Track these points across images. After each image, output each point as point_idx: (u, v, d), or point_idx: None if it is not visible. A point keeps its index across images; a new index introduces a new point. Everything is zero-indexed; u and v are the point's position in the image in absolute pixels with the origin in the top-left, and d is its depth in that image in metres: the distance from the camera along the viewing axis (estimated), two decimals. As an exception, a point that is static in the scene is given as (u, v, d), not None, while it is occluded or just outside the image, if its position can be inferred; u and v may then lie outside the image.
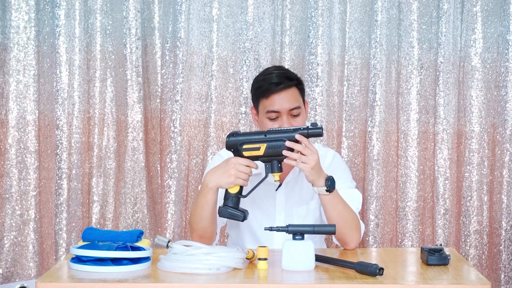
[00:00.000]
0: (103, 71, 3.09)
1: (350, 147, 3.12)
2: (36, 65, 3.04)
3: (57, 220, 3.03)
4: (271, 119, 2.36)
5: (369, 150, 3.06)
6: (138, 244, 2.05)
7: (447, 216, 3.06)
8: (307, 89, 2.99)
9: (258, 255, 1.97)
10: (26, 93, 3.05)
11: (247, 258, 2.02)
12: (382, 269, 1.87)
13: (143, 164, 3.11)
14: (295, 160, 2.15)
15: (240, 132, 2.20)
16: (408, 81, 3.08)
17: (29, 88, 3.05)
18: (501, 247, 3.07)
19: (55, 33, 3.02)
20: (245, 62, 3.07)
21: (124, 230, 3.04)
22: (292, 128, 2.16)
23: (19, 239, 3.05)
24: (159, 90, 3.10)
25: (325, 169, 2.27)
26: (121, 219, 3.11)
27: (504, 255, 3.07)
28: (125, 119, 3.09)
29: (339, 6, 3.08)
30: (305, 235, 1.98)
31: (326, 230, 2.09)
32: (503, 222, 3.07)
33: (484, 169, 3.09)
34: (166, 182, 3.04)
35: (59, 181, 3.02)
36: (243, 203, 2.19)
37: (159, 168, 3.10)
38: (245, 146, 2.16)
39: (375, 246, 3.06)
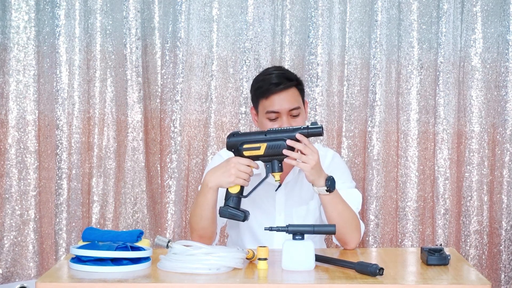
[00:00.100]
0: (103, 71, 3.09)
1: (350, 147, 3.12)
2: (36, 65, 3.04)
3: (57, 220, 3.03)
4: (271, 120, 2.36)
5: (369, 150, 3.06)
6: (138, 244, 2.05)
7: (447, 216, 3.06)
8: (307, 89, 2.99)
9: (258, 255, 1.97)
10: (26, 93, 3.05)
11: (247, 258, 2.02)
12: (382, 269, 1.87)
13: (143, 164, 3.11)
14: (295, 159, 2.15)
15: (240, 132, 2.20)
16: (408, 81, 3.08)
17: (29, 88, 3.05)
18: (501, 247, 3.07)
19: (55, 33, 3.02)
20: (245, 62, 3.07)
21: (124, 230, 3.04)
22: (292, 127, 2.16)
23: (19, 239, 3.05)
24: (159, 90, 3.10)
25: (325, 169, 2.27)
26: (121, 219, 3.11)
27: (504, 255, 3.07)
28: (125, 119, 3.09)
29: (339, 6, 3.08)
30: (305, 235, 1.98)
31: (326, 230, 2.09)
32: (503, 222, 3.07)
33: (484, 169, 3.09)
34: (166, 182, 3.04)
35: (59, 181, 3.02)
36: (243, 203, 2.19)
37: (159, 168, 3.10)
38: (245, 146, 2.16)
39: (375, 246, 3.06)
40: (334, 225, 2.04)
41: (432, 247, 2.05)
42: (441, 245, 2.35)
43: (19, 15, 3.03)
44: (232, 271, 1.94)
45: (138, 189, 3.12)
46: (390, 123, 3.09)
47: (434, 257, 2.01)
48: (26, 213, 3.05)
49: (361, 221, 2.36)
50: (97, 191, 3.10)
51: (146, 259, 2.00)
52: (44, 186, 3.08)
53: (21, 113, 3.05)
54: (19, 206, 3.05)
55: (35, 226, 3.04)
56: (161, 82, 3.08)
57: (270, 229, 2.02)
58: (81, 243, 2.06)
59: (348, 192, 2.37)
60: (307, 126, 2.14)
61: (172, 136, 3.04)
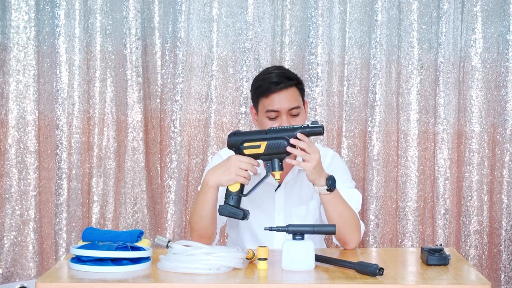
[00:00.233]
0: (103, 71, 3.09)
1: (350, 147, 3.11)
2: (36, 65, 3.04)
3: (57, 220, 3.03)
4: (271, 119, 2.36)
5: (369, 150, 3.06)
6: (138, 244, 2.05)
7: (447, 216, 3.06)
8: (307, 89, 2.99)
9: (258, 255, 1.97)
10: (26, 93, 3.05)
11: (247, 258, 2.02)
12: (382, 269, 1.87)
13: (143, 164, 3.11)
14: (297, 158, 2.15)
15: (241, 131, 2.20)
16: (408, 81, 3.08)
17: (29, 88, 3.05)
18: (501, 247, 3.07)
19: (55, 33, 3.02)
20: (245, 62, 3.07)
21: (124, 230, 3.04)
22: (292, 126, 2.16)
23: (19, 239, 3.05)
24: (159, 90, 3.10)
25: (325, 169, 2.27)
26: (121, 219, 3.11)
27: (504, 255, 3.07)
28: (125, 119, 3.09)
29: (339, 6, 3.08)
30: (305, 235, 1.98)
31: (326, 230, 2.09)
32: (503, 222, 3.07)
33: (484, 169, 3.09)
34: (166, 182, 3.04)
35: (59, 181, 3.02)
36: (242, 203, 2.19)
37: (159, 168, 3.10)
38: (245, 144, 2.17)
39: (375, 246, 3.06)
40: (334, 225, 2.04)
41: (432, 247, 2.04)
42: (441, 245, 2.35)
43: (19, 15, 3.03)
44: (232, 271, 1.94)
45: (138, 189, 3.12)
46: (390, 123, 3.09)
47: (434, 257, 2.01)
48: (26, 213, 3.05)
49: (361, 221, 2.36)
50: (97, 191, 3.10)
51: (146, 259, 2.00)
52: (44, 186, 3.08)
53: (21, 113, 3.05)
54: (19, 206, 3.05)
55: (35, 226, 3.04)
56: (161, 82, 3.08)
57: (270, 229, 2.02)
58: (81, 243, 2.06)
59: (348, 192, 2.37)
60: (308, 125, 2.14)
61: (172, 136, 3.04)
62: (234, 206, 2.15)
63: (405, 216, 3.09)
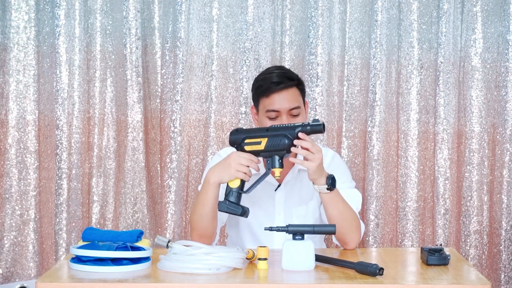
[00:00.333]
0: (103, 71, 3.09)
1: (350, 147, 3.11)
2: (36, 65, 3.04)
3: (57, 220, 3.03)
4: (271, 118, 2.36)
5: (369, 150, 3.06)
6: (138, 244, 2.05)
7: (447, 216, 3.06)
8: (307, 89, 2.99)
9: (258, 255, 1.97)
10: (26, 93, 3.05)
11: (247, 258, 2.02)
12: (382, 269, 1.87)
13: (143, 164, 3.11)
14: (297, 157, 2.15)
15: (242, 128, 2.21)
16: (408, 81, 3.08)
17: (29, 88, 3.05)
18: (501, 247, 3.07)
19: (55, 33, 3.02)
20: (245, 62, 3.07)
21: (124, 230, 3.04)
22: (293, 124, 2.17)
23: (19, 239, 3.05)
24: (159, 90, 3.10)
25: (325, 169, 2.27)
26: (121, 219, 3.11)
27: (504, 255, 3.07)
28: (125, 119, 3.09)
29: (339, 6, 3.08)
30: (305, 235, 1.98)
31: (326, 230, 2.09)
32: (503, 222, 3.07)
33: (484, 169, 3.09)
34: (166, 182, 3.04)
35: (59, 181, 3.02)
36: (243, 203, 2.19)
37: (159, 168, 3.10)
38: (246, 141, 2.18)
39: (375, 246, 3.06)
40: (334, 225, 2.04)
41: (432, 247, 2.04)
42: (441, 245, 2.35)
43: (19, 15, 3.03)
44: (232, 271, 1.94)
45: (138, 189, 3.12)
46: (390, 123, 3.09)
47: (434, 257, 2.01)
48: (26, 213, 3.05)
49: (361, 221, 2.36)
50: (97, 191, 3.10)
51: (146, 259, 2.00)
52: (44, 186, 3.08)
53: (21, 113, 3.05)
54: (19, 206, 3.05)
55: (35, 226, 3.04)
56: (161, 82, 3.08)
57: (270, 229, 2.02)
58: (81, 243, 2.06)
59: (348, 192, 2.37)
60: (308, 123, 2.15)
61: (172, 136, 3.04)
62: (233, 203, 2.15)
63: (405, 216, 3.09)
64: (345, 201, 2.28)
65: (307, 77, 3.04)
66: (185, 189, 3.10)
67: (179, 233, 3.05)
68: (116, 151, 3.10)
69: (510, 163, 3.07)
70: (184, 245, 1.96)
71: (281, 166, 2.16)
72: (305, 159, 2.16)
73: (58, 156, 3.02)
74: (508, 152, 3.07)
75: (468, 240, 3.11)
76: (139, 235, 2.07)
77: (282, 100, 2.35)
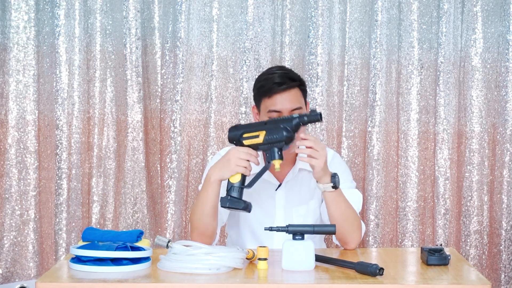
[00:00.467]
0: (103, 71, 3.09)
1: (350, 147, 3.11)
2: (36, 65, 3.04)
3: (57, 220, 3.03)
4: (272, 119, 2.36)
5: (369, 150, 3.06)
6: (138, 244, 2.05)
7: (448, 216, 3.06)
8: (307, 89, 2.99)
9: (258, 255, 1.97)
10: (26, 93, 3.05)
11: (247, 258, 2.02)
12: (382, 269, 1.87)
13: (143, 164, 3.11)
14: (298, 156, 2.16)
15: (241, 124, 2.23)
16: (408, 81, 3.08)
17: (29, 88, 3.05)
18: (501, 247, 3.07)
19: (55, 33, 3.02)
20: (245, 62, 3.07)
21: (124, 230, 3.04)
22: (291, 116, 2.17)
23: (19, 239, 3.05)
24: (159, 90, 3.10)
25: (327, 168, 2.28)
26: (121, 219, 3.11)
27: (504, 255, 3.07)
28: (125, 119, 3.09)
29: (339, 6, 3.08)
30: (305, 235, 1.98)
31: (326, 230, 2.09)
32: (503, 222, 3.07)
33: (485, 169, 3.09)
34: (166, 182, 3.04)
35: (59, 181, 3.02)
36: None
37: (159, 168, 3.10)
38: (245, 135, 2.19)
39: (375, 246, 3.06)
40: (334, 225, 2.04)
41: (432, 247, 2.04)
42: (441, 245, 2.35)
43: (19, 15, 3.03)
44: (232, 271, 1.94)
45: (138, 189, 3.12)
46: (390, 123, 3.09)
47: (434, 257, 2.01)
48: (26, 213, 3.05)
49: (361, 221, 2.36)
50: (97, 191, 3.10)
51: (146, 259, 2.00)
52: (44, 186, 3.08)
53: (21, 113, 3.05)
54: (19, 206, 3.05)
55: (35, 226, 3.04)
56: (161, 82, 3.08)
57: (270, 229, 2.02)
58: (81, 243, 2.06)
59: (349, 192, 2.37)
60: (305, 114, 2.16)
61: (172, 136, 3.03)
62: (235, 197, 2.15)
63: (405, 216, 3.09)
64: (347, 201, 2.28)
65: (307, 77, 3.04)
66: (185, 189, 3.10)
67: (179, 233, 3.05)
68: (116, 151, 3.10)
69: (510, 163, 3.07)
70: (184, 245, 1.96)
71: (281, 157, 2.17)
72: (311, 157, 2.17)
73: (58, 156, 3.02)
74: (508, 152, 3.07)
75: (468, 240, 3.11)
76: (139, 235, 2.07)
77: (284, 100, 2.35)
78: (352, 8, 3.08)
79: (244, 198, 2.18)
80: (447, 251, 2.15)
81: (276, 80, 2.35)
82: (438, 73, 3.05)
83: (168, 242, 1.99)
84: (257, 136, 2.17)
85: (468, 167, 3.09)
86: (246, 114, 3.06)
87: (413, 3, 3.05)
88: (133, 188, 3.11)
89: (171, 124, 3.04)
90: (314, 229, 2.00)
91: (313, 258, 1.96)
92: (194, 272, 1.90)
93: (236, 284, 1.84)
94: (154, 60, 3.11)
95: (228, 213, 2.44)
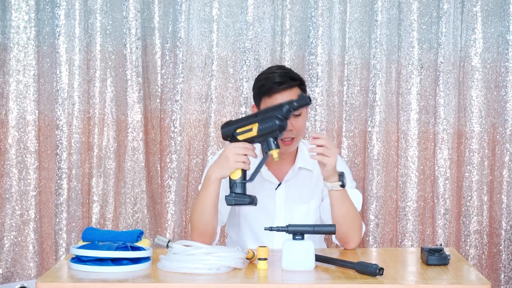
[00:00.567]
0: (103, 71, 3.09)
1: (350, 147, 3.12)
2: (36, 65, 3.04)
3: (57, 220, 3.03)
4: (273, 118, 2.36)
5: (369, 150, 3.06)
6: (138, 244, 2.05)
7: (447, 216, 3.06)
8: (307, 89, 2.99)
9: (258, 255, 1.97)
10: (26, 93, 3.05)
11: (247, 258, 2.02)
12: (382, 269, 1.87)
13: (143, 164, 3.11)
14: (298, 155, 2.16)
15: (232, 120, 2.22)
16: (408, 81, 3.08)
17: (29, 88, 3.05)
18: (501, 247, 3.07)
19: (55, 33, 3.02)
20: (245, 62, 3.07)
21: (124, 230, 3.04)
22: (280, 103, 2.17)
23: (19, 239, 3.05)
24: (159, 90, 3.10)
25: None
26: (121, 219, 3.11)
27: (504, 255, 3.07)
28: (125, 119, 3.09)
29: (339, 6, 3.08)
30: (305, 235, 1.98)
31: (326, 230, 2.09)
32: (503, 222, 3.07)
33: (484, 169, 3.09)
34: (166, 182, 3.04)
35: (59, 181, 3.02)
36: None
37: (159, 168, 3.10)
38: (238, 131, 2.19)
39: (375, 246, 3.06)
40: (334, 225, 2.04)
41: (432, 247, 2.05)
42: (441, 245, 2.35)
43: (19, 15, 3.03)
44: (232, 271, 1.94)
45: (138, 189, 3.12)
46: (390, 123, 3.09)
47: (434, 257, 2.01)
48: (26, 213, 3.05)
49: (361, 221, 2.36)
50: (97, 191, 3.10)
51: (146, 259, 2.00)
52: (44, 186, 3.08)
53: (21, 113, 3.05)
54: (19, 206, 3.05)
55: (35, 226, 3.04)
56: (161, 82, 3.08)
57: (270, 229, 2.02)
58: (81, 243, 2.06)
59: (350, 192, 2.37)
60: (294, 99, 2.16)
61: (172, 136, 3.03)
62: (239, 193, 2.15)
63: (405, 216, 3.09)
64: (351, 200, 2.29)
65: (307, 77, 3.04)
66: (185, 189, 3.10)
67: (179, 233, 3.05)
68: (116, 151, 3.10)
69: (510, 163, 3.07)
70: (184, 245, 1.96)
71: (277, 146, 2.17)
72: (323, 155, 2.17)
73: (58, 156, 3.02)
74: (508, 152, 3.07)
75: (468, 240, 3.11)
76: (139, 235, 2.07)
77: (284, 100, 2.34)
78: (352, 8, 3.08)
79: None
80: (447, 251, 2.15)
81: (276, 80, 2.36)
82: (438, 73, 3.05)
83: (168, 242, 1.99)
84: (250, 130, 2.17)
85: (468, 167, 3.09)
86: (246, 114, 3.06)
87: (413, 3, 3.05)
88: (133, 188, 3.11)
89: (171, 124, 3.04)
90: (314, 229, 2.00)
91: (313, 258, 1.96)
92: (194, 272, 1.90)
93: (236, 284, 1.84)
94: (154, 60, 3.11)
95: (228, 213, 2.44)
